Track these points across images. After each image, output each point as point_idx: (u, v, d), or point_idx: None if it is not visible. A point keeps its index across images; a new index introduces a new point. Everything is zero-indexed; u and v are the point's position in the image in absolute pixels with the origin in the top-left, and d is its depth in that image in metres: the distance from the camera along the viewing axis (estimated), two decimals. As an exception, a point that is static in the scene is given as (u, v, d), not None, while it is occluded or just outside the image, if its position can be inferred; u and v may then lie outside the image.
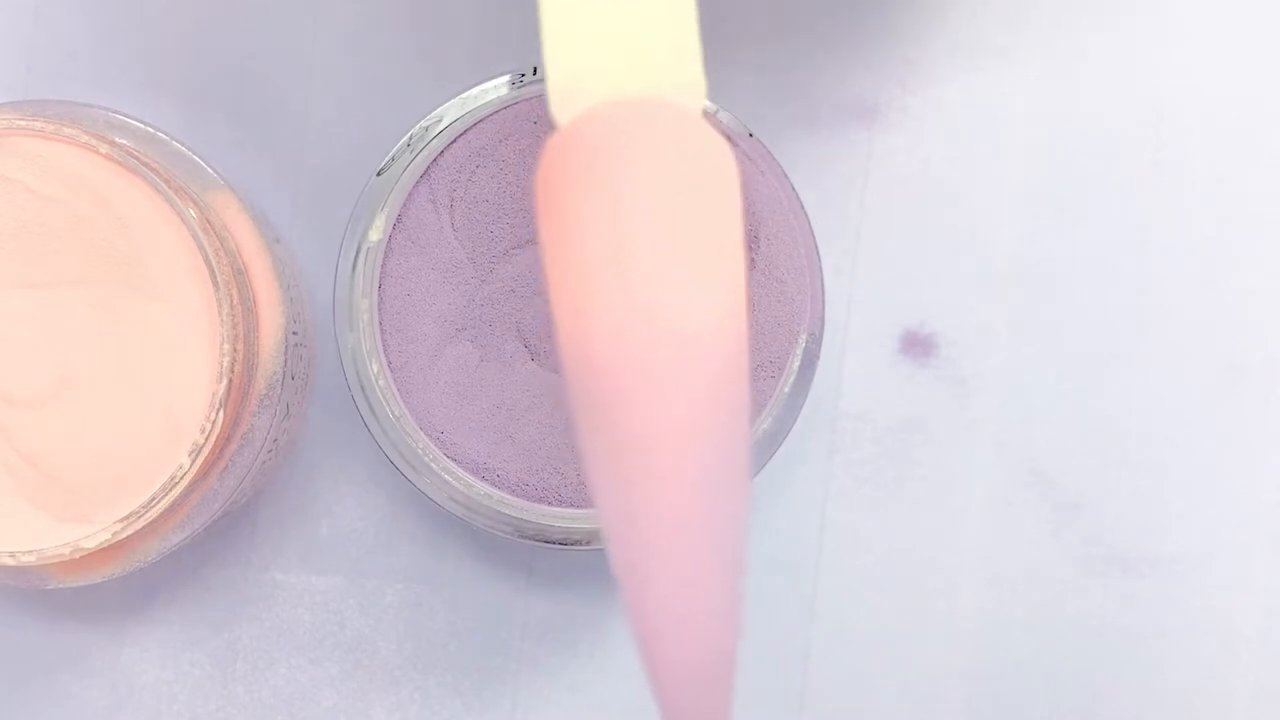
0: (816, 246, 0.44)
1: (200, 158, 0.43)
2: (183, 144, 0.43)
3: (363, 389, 0.43)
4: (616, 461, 0.30)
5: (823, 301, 0.44)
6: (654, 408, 0.30)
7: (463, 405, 0.43)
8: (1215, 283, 0.48)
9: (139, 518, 0.41)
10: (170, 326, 0.41)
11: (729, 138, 0.43)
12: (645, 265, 0.31)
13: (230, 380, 0.41)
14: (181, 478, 0.41)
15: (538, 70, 0.43)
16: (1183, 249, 0.48)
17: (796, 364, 0.43)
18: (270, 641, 0.48)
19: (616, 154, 0.32)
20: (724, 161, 0.33)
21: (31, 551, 0.41)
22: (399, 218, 0.43)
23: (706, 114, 0.36)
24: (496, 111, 0.43)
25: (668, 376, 0.30)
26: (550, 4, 0.34)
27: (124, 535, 0.41)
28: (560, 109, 0.33)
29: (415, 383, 0.43)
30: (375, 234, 0.43)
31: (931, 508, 0.48)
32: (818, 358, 0.43)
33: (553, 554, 0.48)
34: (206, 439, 0.41)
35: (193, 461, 0.41)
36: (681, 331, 0.30)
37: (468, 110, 0.43)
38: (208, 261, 0.41)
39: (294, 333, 0.43)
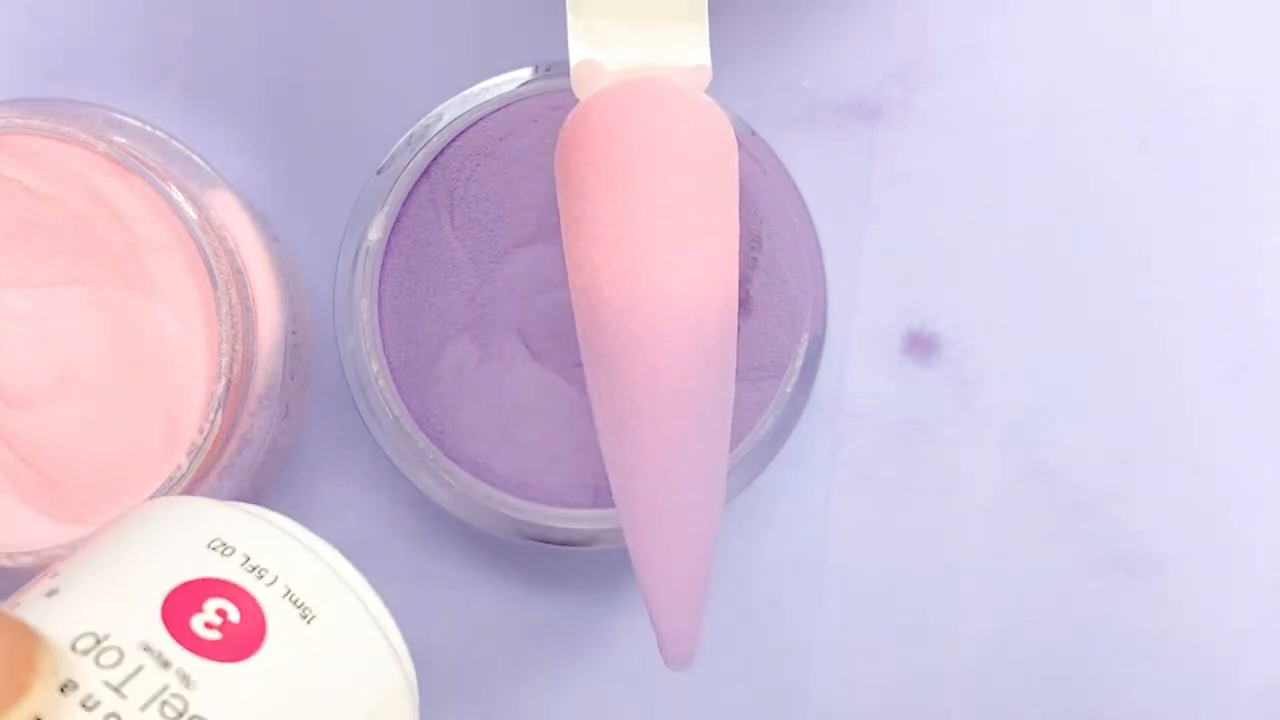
0: (819, 246, 0.43)
1: (200, 157, 0.43)
2: (182, 143, 0.43)
3: (363, 389, 0.43)
4: (616, 407, 0.35)
5: (825, 301, 0.43)
6: (645, 368, 0.35)
7: (463, 405, 0.43)
8: (1217, 282, 0.48)
9: (138, 518, 0.40)
10: (169, 326, 0.41)
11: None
12: (644, 242, 0.35)
13: (229, 380, 0.41)
14: (180, 478, 0.40)
15: (538, 69, 0.43)
16: (1185, 249, 0.48)
17: (799, 364, 0.43)
18: (270, 642, 0.48)
19: (624, 135, 0.35)
20: (722, 141, 0.36)
21: (30, 552, 0.41)
22: (399, 217, 0.43)
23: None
24: (497, 110, 0.43)
25: (659, 342, 0.35)
26: None
27: (123, 536, 0.41)
28: (580, 86, 0.37)
29: (415, 383, 0.43)
30: (375, 233, 0.43)
31: (934, 508, 0.48)
32: (820, 357, 0.43)
33: (554, 555, 0.47)
34: (205, 439, 0.40)
35: (191, 462, 0.41)
36: (671, 304, 0.35)
37: (468, 108, 0.43)
38: (206, 261, 0.41)
39: (293, 333, 0.43)
